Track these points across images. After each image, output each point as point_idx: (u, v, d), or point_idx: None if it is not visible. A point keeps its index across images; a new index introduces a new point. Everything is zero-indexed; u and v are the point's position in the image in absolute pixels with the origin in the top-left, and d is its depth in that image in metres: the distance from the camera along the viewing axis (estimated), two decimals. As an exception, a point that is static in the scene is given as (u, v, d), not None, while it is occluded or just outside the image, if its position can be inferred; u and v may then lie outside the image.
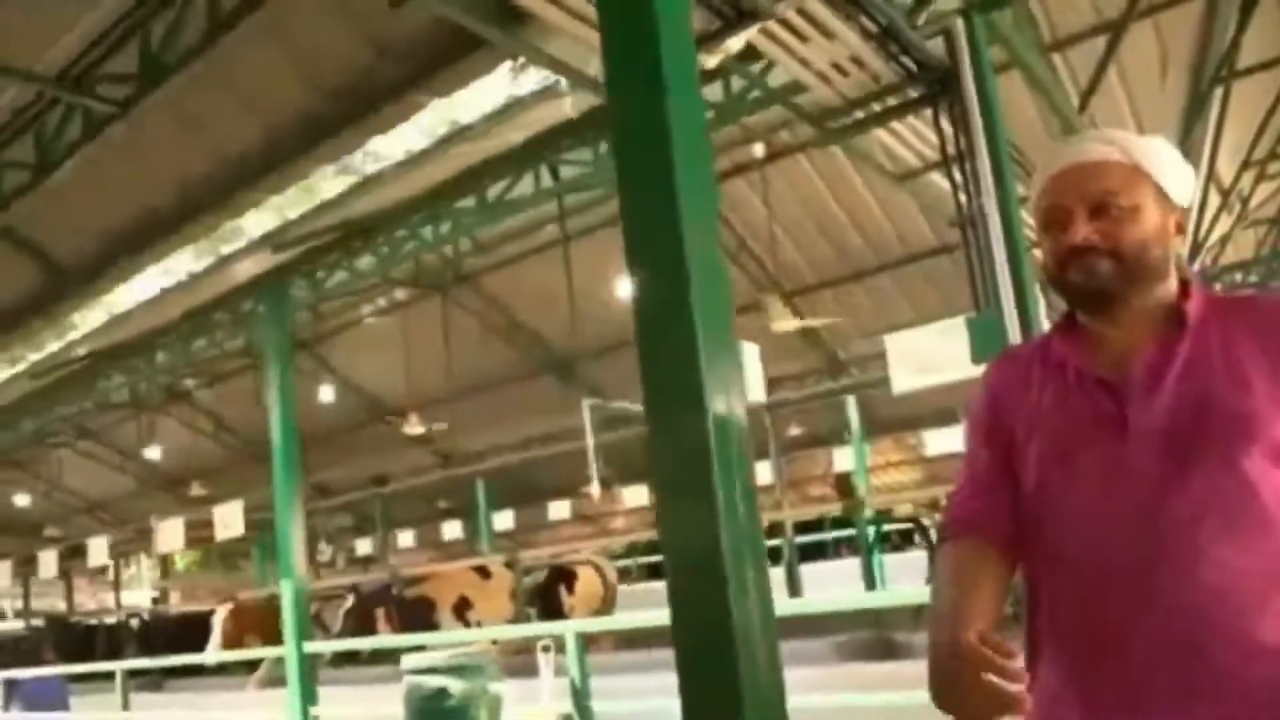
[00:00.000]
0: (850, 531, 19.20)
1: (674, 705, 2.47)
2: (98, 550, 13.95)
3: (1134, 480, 1.39)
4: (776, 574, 14.60)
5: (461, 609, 11.04)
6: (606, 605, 11.59)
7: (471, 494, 19.04)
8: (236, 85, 4.70)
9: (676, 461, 2.48)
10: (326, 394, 15.12)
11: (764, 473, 17.08)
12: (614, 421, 16.16)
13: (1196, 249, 10.05)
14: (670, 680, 2.45)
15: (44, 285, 6.56)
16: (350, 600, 11.32)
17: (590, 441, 9.76)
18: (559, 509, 20.42)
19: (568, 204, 10.04)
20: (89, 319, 8.25)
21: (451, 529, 21.63)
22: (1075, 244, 1.46)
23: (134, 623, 13.99)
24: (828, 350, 14.40)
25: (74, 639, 14.11)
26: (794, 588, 13.16)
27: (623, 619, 9.53)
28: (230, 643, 11.35)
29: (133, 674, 12.21)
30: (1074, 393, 1.49)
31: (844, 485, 21.17)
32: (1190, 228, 9.76)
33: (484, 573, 11.55)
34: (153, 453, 17.35)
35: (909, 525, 18.45)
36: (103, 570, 24.47)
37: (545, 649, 6.40)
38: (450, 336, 13.30)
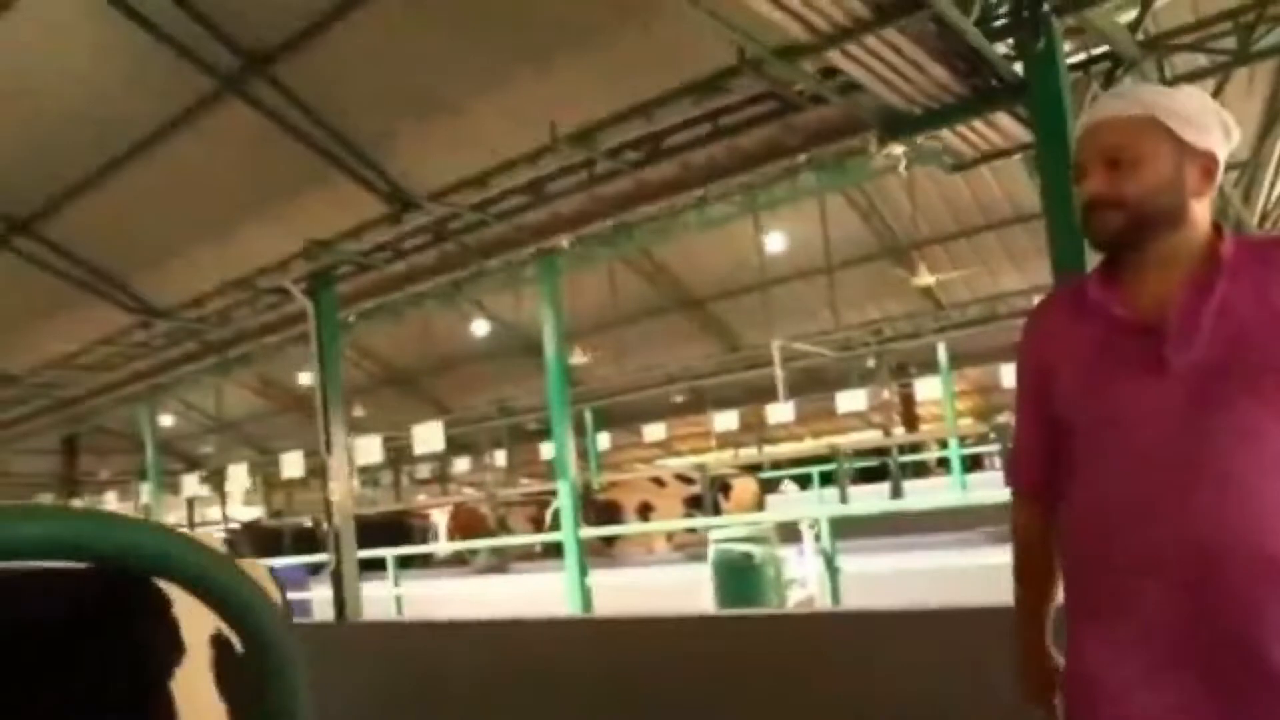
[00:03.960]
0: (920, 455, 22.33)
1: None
2: (292, 464, 16.87)
3: (1174, 417, 1.59)
4: (883, 487, 17.73)
5: (644, 511, 14.08)
6: (758, 507, 14.65)
7: (578, 419, 22.01)
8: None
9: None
10: (480, 329, 17.93)
11: (857, 400, 20.06)
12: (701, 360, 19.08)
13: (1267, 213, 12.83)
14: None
15: (439, 260, 9.31)
16: (555, 504, 14.33)
17: (779, 374, 12.61)
18: (654, 431, 23.44)
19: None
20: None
21: (548, 450, 24.58)
22: (1086, 197, 1.68)
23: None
24: (931, 294, 17.19)
25: (267, 539, 17.12)
26: (896, 492, 16.22)
27: (861, 505, 12.60)
28: (450, 538, 14.44)
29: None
30: (1113, 336, 1.66)
31: (910, 413, 24.28)
32: (1266, 185, 12.52)
33: (659, 482, 14.58)
34: (304, 378, 20.18)
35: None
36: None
37: (811, 527, 9.38)
38: (599, 280, 16.05)
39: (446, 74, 7.45)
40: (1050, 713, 1.82)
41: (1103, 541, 1.65)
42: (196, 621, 1.41)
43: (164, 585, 1.38)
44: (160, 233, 9.68)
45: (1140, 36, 7.47)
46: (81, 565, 1.28)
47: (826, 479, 21.78)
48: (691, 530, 14.69)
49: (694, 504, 14.60)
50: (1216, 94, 10.21)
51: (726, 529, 9.34)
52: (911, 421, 24.11)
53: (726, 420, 22.40)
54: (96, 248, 10.34)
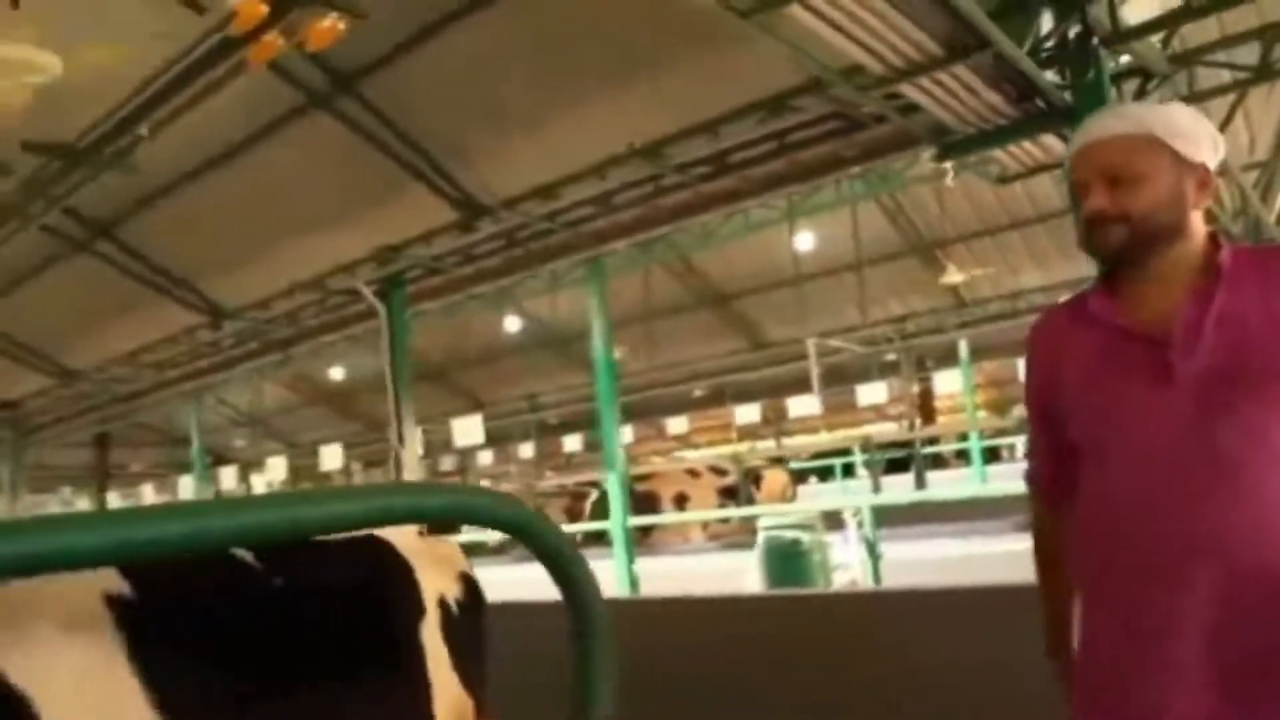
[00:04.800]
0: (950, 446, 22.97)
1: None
2: (330, 456, 17.53)
3: (1179, 422, 1.63)
4: (904, 479, 18.36)
5: (680, 501, 14.73)
6: (788, 498, 15.30)
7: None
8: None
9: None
10: (513, 325, 18.54)
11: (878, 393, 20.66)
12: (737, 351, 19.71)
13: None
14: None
15: (502, 264, 9.94)
16: (595, 494, 14.98)
17: (814, 370, 13.23)
18: (677, 424, 24.08)
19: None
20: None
21: (571, 443, 25.22)
22: (1089, 213, 1.72)
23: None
24: (955, 291, 17.78)
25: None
26: (920, 483, 16.87)
27: (900, 495, 13.22)
28: (495, 528, 15.16)
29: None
30: (1116, 347, 1.72)
31: (927, 406, 24.88)
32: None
33: (693, 474, 15.24)
34: (336, 373, 20.82)
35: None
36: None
37: (855, 514, 10.01)
38: (632, 279, 16.65)
39: (523, 93, 8.06)
40: (1065, 674, 1.91)
41: (1108, 541, 1.70)
42: (429, 585, 1.67)
43: (406, 555, 1.71)
44: (232, 237, 10.28)
45: (1170, 52, 8.02)
46: (354, 538, 1.71)
47: (847, 471, 22.45)
48: (724, 520, 15.36)
49: (727, 494, 15.27)
50: (1239, 103, 10.82)
51: (776, 516, 9.97)
52: (929, 415, 24.69)
53: (747, 414, 23.04)
54: (171, 251, 10.96)
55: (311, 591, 1.43)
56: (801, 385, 23.26)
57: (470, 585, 1.78)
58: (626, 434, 24.54)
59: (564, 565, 1.18)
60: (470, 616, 1.74)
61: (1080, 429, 1.78)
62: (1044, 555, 1.99)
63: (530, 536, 1.16)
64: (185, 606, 1.18)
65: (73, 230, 10.44)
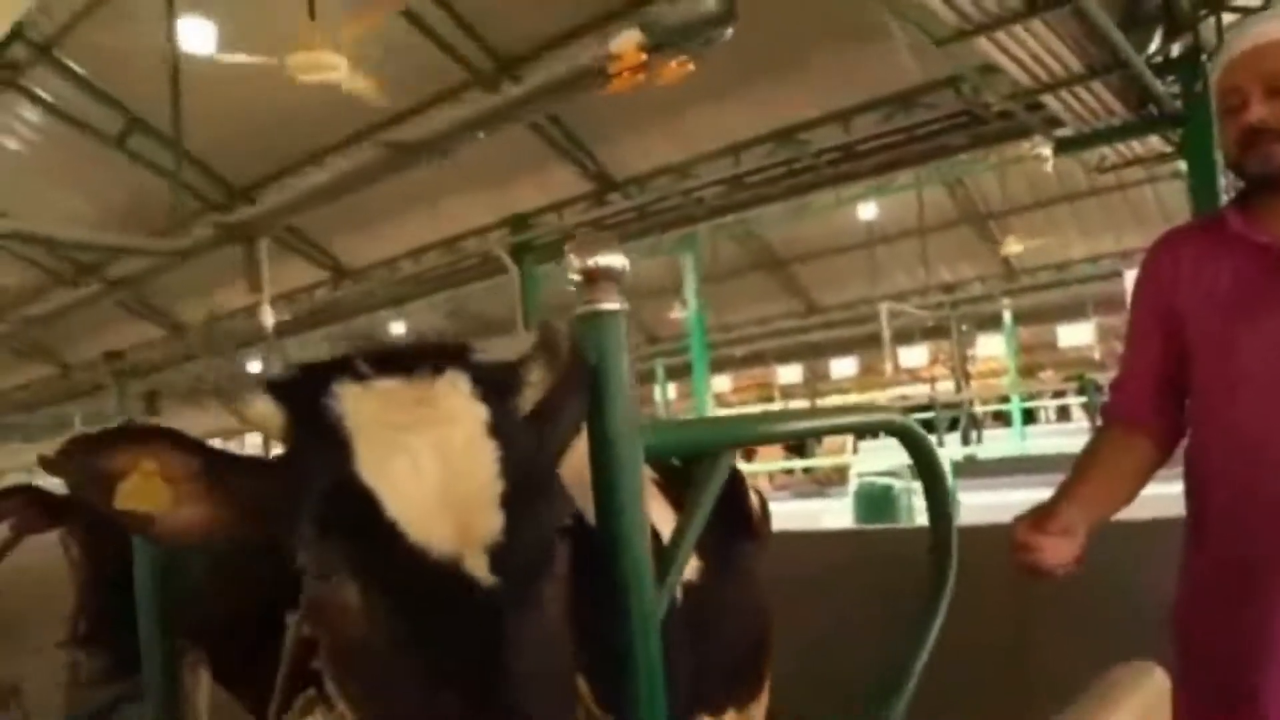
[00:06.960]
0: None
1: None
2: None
3: None
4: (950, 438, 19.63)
5: (749, 454, 16.01)
6: (849, 451, 16.59)
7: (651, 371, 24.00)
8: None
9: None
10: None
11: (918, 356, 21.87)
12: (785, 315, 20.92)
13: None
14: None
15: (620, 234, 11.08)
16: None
17: (886, 334, 14.46)
18: (719, 383, 25.32)
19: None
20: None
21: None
22: (1249, 125, 1.60)
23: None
24: (1006, 261, 18.90)
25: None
26: (966, 440, 18.18)
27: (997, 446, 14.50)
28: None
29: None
30: (1254, 270, 1.64)
31: (964, 370, 26.08)
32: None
33: (758, 427, 16.59)
34: (396, 328, 22.01)
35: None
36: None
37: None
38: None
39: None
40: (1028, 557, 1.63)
41: (1232, 469, 1.66)
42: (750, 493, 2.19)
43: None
44: (367, 200, 11.32)
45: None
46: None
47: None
48: (789, 471, 16.75)
49: (790, 448, 16.58)
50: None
51: (870, 465, 11.25)
52: (964, 377, 25.94)
53: (790, 374, 24.36)
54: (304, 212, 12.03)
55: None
56: (843, 348, 24.59)
57: (761, 498, 2.26)
58: (671, 391, 25.93)
59: (930, 460, 1.73)
60: (765, 520, 2.24)
61: (1205, 353, 1.70)
62: (1089, 466, 1.80)
63: (909, 439, 1.73)
64: (670, 487, 1.83)
65: (215, 195, 11.56)
